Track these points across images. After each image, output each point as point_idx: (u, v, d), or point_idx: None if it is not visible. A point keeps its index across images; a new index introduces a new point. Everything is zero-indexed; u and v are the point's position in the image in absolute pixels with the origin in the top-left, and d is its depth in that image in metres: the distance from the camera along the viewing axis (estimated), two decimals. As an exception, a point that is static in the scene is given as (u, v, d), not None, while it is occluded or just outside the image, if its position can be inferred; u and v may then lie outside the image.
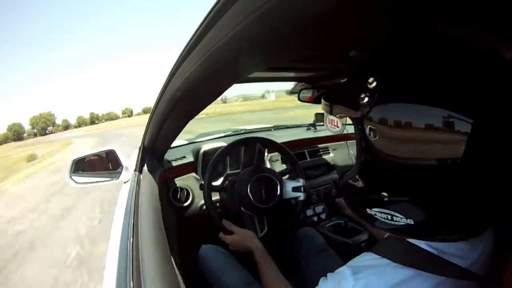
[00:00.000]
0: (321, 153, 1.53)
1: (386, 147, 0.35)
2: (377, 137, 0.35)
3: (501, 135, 0.29)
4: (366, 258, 0.40)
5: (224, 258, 0.90)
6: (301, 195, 1.08)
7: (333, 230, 1.24)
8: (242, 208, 1.02)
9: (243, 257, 0.87)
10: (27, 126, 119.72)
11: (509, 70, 0.31)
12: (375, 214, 0.39)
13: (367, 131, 0.36)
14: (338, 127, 0.45)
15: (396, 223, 0.36)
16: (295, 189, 1.08)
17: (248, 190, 0.99)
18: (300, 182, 1.09)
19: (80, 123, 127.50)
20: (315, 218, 1.35)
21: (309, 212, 1.36)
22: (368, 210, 0.40)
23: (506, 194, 0.33)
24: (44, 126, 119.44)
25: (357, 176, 0.42)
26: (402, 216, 0.36)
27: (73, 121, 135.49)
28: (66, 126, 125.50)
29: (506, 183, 0.32)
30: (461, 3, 0.29)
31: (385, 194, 0.37)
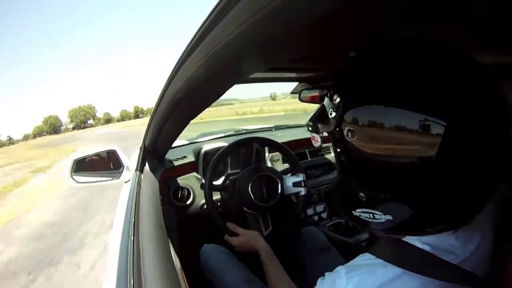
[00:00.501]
0: (322, 152, 1.53)
1: (363, 149, 0.36)
2: (354, 138, 0.36)
3: (474, 135, 0.30)
4: (363, 258, 0.41)
5: (226, 257, 0.90)
6: (302, 190, 1.09)
7: (333, 229, 1.24)
8: (244, 208, 1.03)
9: (245, 255, 0.87)
10: (65, 119, 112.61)
11: (482, 73, 0.32)
12: (360, 215, 0.40)
13: (345, 132, 0.37)
14: (318, 142, 0.51)
15: (378, 221, 0.38)
16: (295, 184, 1.08)
17: (249, 189, 0.99)
18: (300, 177, 1.10)
19: (124, 117, 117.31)
20: (316, 217, 1.36)
21: (310, 211, 1.36)
22: (353, 212, 0.41)
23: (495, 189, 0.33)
24: (84, 119, 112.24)
25: (340, 181, 0.44)
26: (381, 213, 0.37)
27: (116, 114, 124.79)
28: (108, 120, 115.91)
29: (487, 178, 0.32)
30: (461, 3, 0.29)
31: (362, 195, 0.38)
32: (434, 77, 0.31)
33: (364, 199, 0.38)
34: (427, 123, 0.29)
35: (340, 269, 0.40)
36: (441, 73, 0.31)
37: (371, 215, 0.38)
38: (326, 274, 0.44)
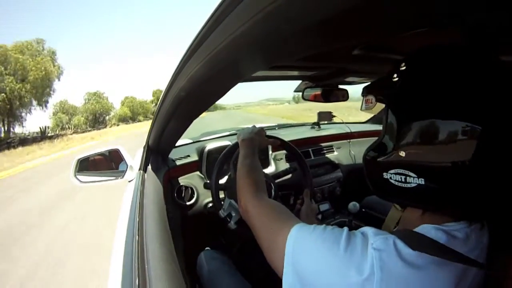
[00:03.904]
0: (326, 151, 1.53)
1: (407, 148, 0.38)
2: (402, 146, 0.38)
3: (507, 137, 0.32)
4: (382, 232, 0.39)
5: (219, 264, 0.91)
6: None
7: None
8: None
9: (241, 263, 0.87)
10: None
11: (508, 74, 0.33)
12: (390, 178, 0.40)
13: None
14: (371, 103, 0.53)
15: (408, 185, 0.37)
16: None
17: None
18: None
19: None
20: (319, 216, 1.35)
21: (313, 210, 1.36)
22: (384, 174, 0.40)
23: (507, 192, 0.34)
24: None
25: (381, 140, 0.43)
26: (415, 176, 0.37)
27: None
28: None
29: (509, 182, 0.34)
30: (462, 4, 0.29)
31: (402, 153, 0.38)
32: (471, 85, 0.33)
33: (403, 157, 0.38)
34: (471, 128, 0.32)
35: (365, 229, 0.38)
36: (477, 80, 0.33)
37: (403, 177, 0.38)
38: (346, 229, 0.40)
